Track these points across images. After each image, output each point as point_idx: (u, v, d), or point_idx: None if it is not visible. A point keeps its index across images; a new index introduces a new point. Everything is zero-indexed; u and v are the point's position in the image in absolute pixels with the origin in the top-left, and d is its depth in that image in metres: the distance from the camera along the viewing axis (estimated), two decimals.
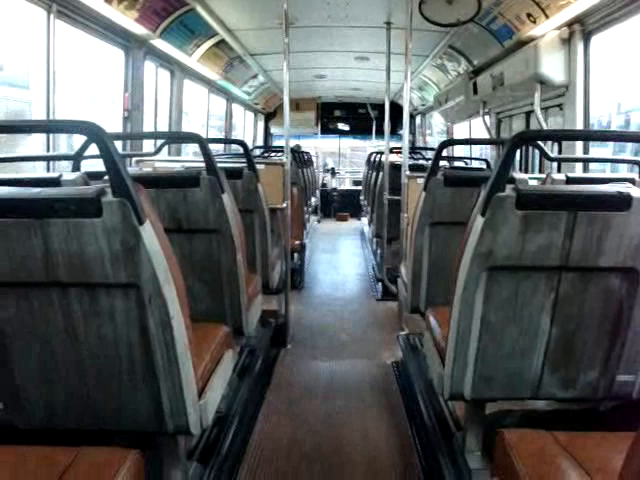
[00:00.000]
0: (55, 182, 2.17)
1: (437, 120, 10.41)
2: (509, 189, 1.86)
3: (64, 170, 3.21)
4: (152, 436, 2.12)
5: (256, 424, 3.05)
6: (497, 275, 1.93)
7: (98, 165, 1.77)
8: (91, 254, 1.62)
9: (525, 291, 1.95)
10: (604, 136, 2.75)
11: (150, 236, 1.63)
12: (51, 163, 3.63)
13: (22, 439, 1.75)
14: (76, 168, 2.84)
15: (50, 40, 3.60)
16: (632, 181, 2.33)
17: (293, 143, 11.03)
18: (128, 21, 4.14)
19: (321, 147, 13.76)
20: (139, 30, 4.40)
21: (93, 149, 2.51)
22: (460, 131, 8.53)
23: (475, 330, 1.99)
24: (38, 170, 3.65)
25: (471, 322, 1.98)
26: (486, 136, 6.51)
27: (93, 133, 1.56)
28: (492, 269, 1.91)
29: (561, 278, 1.94)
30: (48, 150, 3.67)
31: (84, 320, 1.71)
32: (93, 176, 2.34)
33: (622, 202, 1.83)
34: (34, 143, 4.00)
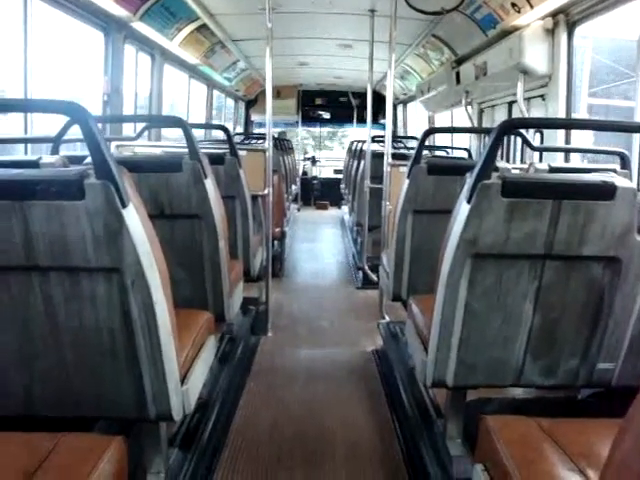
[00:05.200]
0: (34, 164, 2.12)
1: (419, 109, 10.40)
2: (495, 177, 1.86)
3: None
4: (133, 423, 2.10)
5: (237, 410, 3.04)
6: (481, 262, 1.93)
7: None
8: (73, 237, 1.58)
9: (509, 279, 1.96)
10: (589, 125, 2.77)
11: (134, 220, 1.60)
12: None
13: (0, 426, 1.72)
14: (55, 151, 2.78)
15: (28, 20, 3.50)
16: (614, 171, 2.36)
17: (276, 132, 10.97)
18: (107, 1, 4.04)
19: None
20: (119, 12, 4.30)
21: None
22: (442, 121, 8.54)
23: (459, 317, 1.99)
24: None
25: (455, 309, 1.99)
26: (468, 126, 6.53)
27: (76, 113, 1.53)
28: (477, 256, 1.92)
29: (545, 266, 1.95)
30: (26, 132, 3.59)
31: (65, 305, 1.68)
32: (73, 160, 2.29)
33: (607, 191, 1.85)
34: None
